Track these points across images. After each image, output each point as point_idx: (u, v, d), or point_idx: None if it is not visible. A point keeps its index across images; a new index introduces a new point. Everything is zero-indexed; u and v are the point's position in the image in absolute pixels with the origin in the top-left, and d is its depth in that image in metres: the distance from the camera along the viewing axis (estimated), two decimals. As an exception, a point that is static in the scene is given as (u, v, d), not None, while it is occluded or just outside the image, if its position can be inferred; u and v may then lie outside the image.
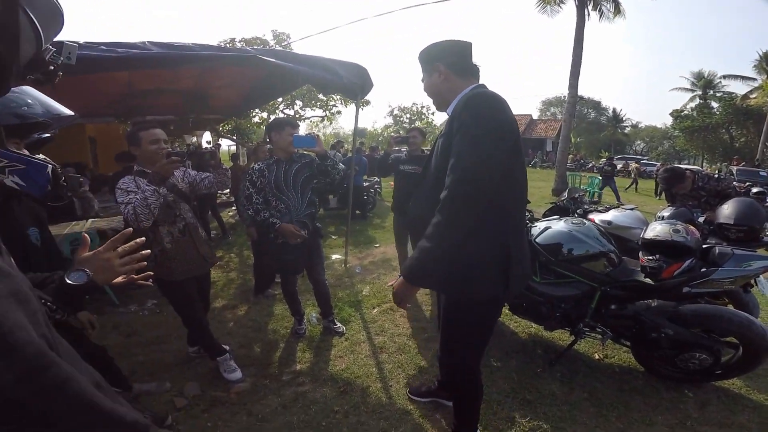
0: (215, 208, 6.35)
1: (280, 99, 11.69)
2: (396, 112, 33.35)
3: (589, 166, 28.03)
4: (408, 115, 33.02)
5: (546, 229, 2.56)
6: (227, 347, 2.60)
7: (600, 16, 13.66)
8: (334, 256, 5.23)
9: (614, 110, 45.22)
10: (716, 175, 3.46)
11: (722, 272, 2.11)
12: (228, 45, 11.08)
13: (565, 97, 14.08)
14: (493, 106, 1.34)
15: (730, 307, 2.67)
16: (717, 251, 2.21)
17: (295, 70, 3.28)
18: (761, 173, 18.95)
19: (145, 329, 3.18)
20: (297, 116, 12.74)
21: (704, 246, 2.29)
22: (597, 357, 2.76)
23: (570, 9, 13.43)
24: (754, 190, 8.84)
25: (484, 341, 1.63)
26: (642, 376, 2.54)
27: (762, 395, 2.38)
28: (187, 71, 3.98)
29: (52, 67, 0.58)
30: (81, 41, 2.46)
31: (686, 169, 3.52)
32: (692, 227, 2.28)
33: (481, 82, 1.51)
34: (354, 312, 3.45)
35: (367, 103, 12.84)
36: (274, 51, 3.55)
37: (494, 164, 1.26)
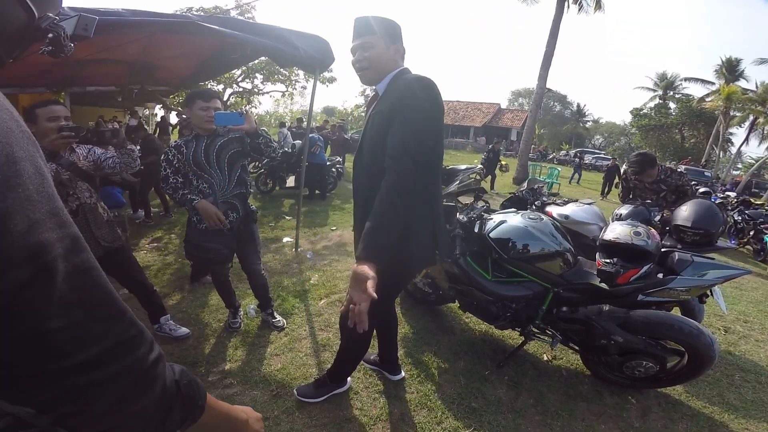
0: (158, 185, 5.83)
1: (238, 71, 10.98)
2: (368, 92, 32.76)
3: (550, 157, 28.87)
4: (379, 96, 32.52)
5: (501, 223, 2.40)
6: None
7: (579, 9, 13.72)
8: (285, 239, 4.92)
9: (578, 105, 46.79)
10: (678, 170, 3.45)
11: (680, 281, 2.04)
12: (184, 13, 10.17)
13: (534, 88, 14.20)
14: (432, 93, 1.46)
15: (677, 311, 2.67)
16: (676, 257, 2.14)
17: (244, 39, 2.93)
18: (706, 173, 20.33)
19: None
20: (256, 90, 12.05)
21: (663, 251, 2.21)
22: (546, 358, 2.70)
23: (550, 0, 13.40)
24: (701, 190, 9.28)
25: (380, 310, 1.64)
26: (588, 380, 2.50)
27: (700, 402, 2.39)
28: (130, 40, 3.49)
29: (51, 35, 0.52)
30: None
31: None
32: (653, 230, 2.20)
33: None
34: (298, 303, 3.19)
35: (333, 80, 12.30)
36: (222, 18, 3.16)
37: (431, 151, 1.48)
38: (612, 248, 2.18)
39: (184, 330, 2.63)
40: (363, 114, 32.62)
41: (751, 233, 7.21)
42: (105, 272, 1.62)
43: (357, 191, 1.71)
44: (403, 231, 1.45)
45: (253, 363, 2.42)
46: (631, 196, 3.64)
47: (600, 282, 2.17)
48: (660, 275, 2.14)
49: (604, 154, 31.51)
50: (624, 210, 3.00)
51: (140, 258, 4.04)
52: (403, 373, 2.38)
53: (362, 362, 2.40)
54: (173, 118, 12.93)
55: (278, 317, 2.86)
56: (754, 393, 2.54)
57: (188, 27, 2.62)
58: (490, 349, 2.72)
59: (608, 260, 2.16)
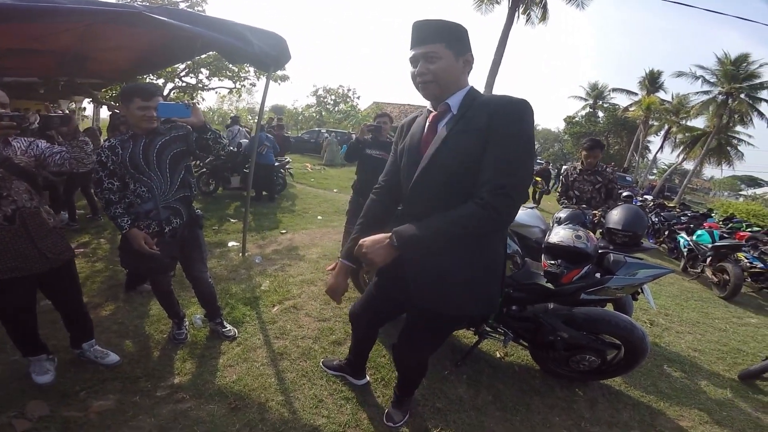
0: (87, 185, 5.31)
1: (181, 65, 10.35)
2: (321, 92, 32.38)
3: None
4: (333, 97, 32.29)
5: None
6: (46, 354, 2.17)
7: (527, 20, 14.53)
8: (231, 243, 4.69)
9: (517, 112, 49.41)
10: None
11: (616, 280, 2.23)
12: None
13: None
14: (532, 122, 1.27)
15: (610, 307, 2.93)
16: (611, 258, 2.34)
17: (194, 32, 2.73)
18: (627, 178, 22.47)
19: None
20: (201, 86, 11.43)
21: (600, 252, 2.40)
22: (499, 355, 2.82)
23: (502, 10, 14.08)
24: (624, 193, 10.18)
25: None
26: (539, 375, 2.65)
27: (638, 392, 2.63)
28: (64, 29, 3.13)
29: None
30: None
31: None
32: (591, 234, 2.38)
33: None
34: (249, 311, 3.06)
35: (286, 78, 12.00)
36: (170, 9, 2.95)
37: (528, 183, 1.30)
38: (556, 251, 2.34)
39: (114, 357, 2.31)
40: (314, 114, 31.96)
41: (666, 233, 8.03)
42: (45, 292, 1.45)
43: (415, 208, 1.44)
44: (489, 271, 1.43)
45: (206, 375, 2.29)
46: (569, 194, 3.95)
47: (546, 282, 2.31)
48: (598, 275, 2.33)
49: (539, 159, 33.71)
50: (563, 214, 3.24)
51: (68, 266, 3.66)
52: (367, 378, 2.38)
53: (325, 369, 2.42)
54: (104, 113, 11.93)
55: (228, 326, 2.72)
56: (681, 381, 2.83)
57: (135, 18, 2.40)
58: (447, 349, 2.78)
59: (553, 261, 2.31)
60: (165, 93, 10.78)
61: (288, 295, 3.41)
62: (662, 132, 28.12)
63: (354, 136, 4.03)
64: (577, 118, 35.80)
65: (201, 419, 1.97)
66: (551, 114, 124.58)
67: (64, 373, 2.18)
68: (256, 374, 2.34)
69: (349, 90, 31.26)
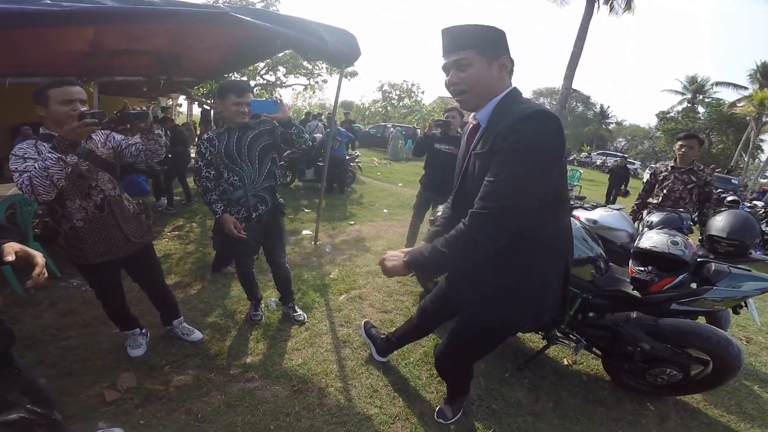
0: (183, 174, 5.92)
1: (261, 64, 11.02)
2: (386, 87, 32.68)
3: (571, 158, 28.36)
4: (397, 92, 32.44)
5: None
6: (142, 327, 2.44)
7: (610, 10, 13.39)
8: (305, 232, 4.94)
9: (602, 106, 45.65)
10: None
11: (716, 292, 1.98)
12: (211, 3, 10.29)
13: (558, 88, 13.88)
14: (551, 132, 1.14)
15: (702, 320, 2.60)
16: (713, 268, 2.07)
17: (275, 31, 2.92)
18: (733, 180, 19.64)
19: (85, 308, 2.83)
20: (279, 83, 12.10)
21: (699, 260, 2.14)
22: (566, 362, 2.66)
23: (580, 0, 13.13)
24: (729, 198, 8.96)
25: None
26: (608, 385, 2.47)
27: (717, 411, 2.35)
28: (160, 30, 3.52)
29: None
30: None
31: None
32: (690, 240, 2.13)
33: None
34: (318, 298, 3.21)
35: (355, 74, 12.25)
36: (253, 10, 3.16)
37: (529, 202, 1.16)
38: (647, 256, 2.13)
39: (198, 335, 2.53)
40: (380, 110, 32.45)
41: (781, 245, 6.93)
42: (132, 276, 1.63)
43: (457, 217, 1.45)
44: (538, 282, 1.35)
45: (275, 357, 2.44)
46: (654, 194, 3.56)
47: (632, 289, 2.13)
48: (694, 285, 2.09)
49: (626, 157, 30.72)
50: (655, 218, 2.93)
51: (162, 246, 4.13)
52: (387, 358, 2.46)
53: (361, 332, 2.58)
54: (196, 109, 13.14)
55: (299, 311, 2.87)
56: (774, 405, 2.46)
57: (222, 18, 2.62)
58: (510, 352, 2.68)
59: (642, 268, 2.10)
60: (249, 90, 11.55)
61: (354, 284, 3.51)
62: (779, 129, 24.16)
63: (418, 130, 4.04)
64: (672, 114, 32.16)
65: (265, 399, 2.10)
66: (641, 109, 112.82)
67: (155, 347, 2.44)
68: (320, 359, 2.44)
69: (413, 85, 31.06)
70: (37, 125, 2.21)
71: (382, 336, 2.45)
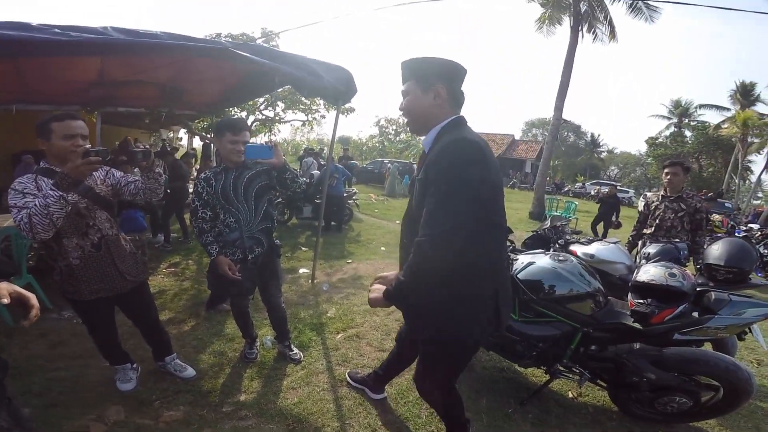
0: (181, 210, 5.94)
1: (261, 99, 11.33)
2: (382, 122, 33.46)
3: (565, 189, 28.59)
4: (394, 127, 33.19)
5: (529, 264, 2.37)
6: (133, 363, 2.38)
7: (594, 39, 13.84)
8: (302, 270, 4.90)
9: (592, 135, 46.70)
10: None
11: (718, 320, 1.97)
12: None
13: (549, 119, 14.19)
14: (468, 159, 1.24)
15: (709, 347, 2.56)
16: (713, 297, 2.07)
17: (274, 67, 3.03)
18: (726, 204, 19.69)
19: (75, 340, 2.78)
20: (277, 118, 12.38)
21: (699, 290, 2.14)
22: (571, 395, 2.58)
23: (565, 30, 13.60)
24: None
25: (458, 375, 1.70)
26: (616, 416, 2.39)
27: None
28: (165, 63, 3.66)
29: None
30: (35, 23, 2.18)
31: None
32: (687, 271, 2.14)
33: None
34: (315, 336, 3.14)
35: (352, 110, 12.59)
36: (252, 46, 3.30)
37: (463, 224, 1.23)
38: (645, 289, 2.13)
39: (191, 371, 2.47)
40: (377, 145, 33.00)
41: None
42: (126, 312, 1.63)
43: (403, 251, 1.57)
44: (467, 300, 1.39)
45: (269, 396, 2.36)
46: (648, 224, 3.58)
47: (633, 322, 2.11)
48: (695, 314, 2.08)
49: (620, 185, 31.08)
50: (652, 249, 2.93)
51: (157, 282, 4.08)
52: (385, 393, 2.40)
53: (349, 381, 2.51)
54: (196, 142, 13.32)
55: (295, 350, 2.80)
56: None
57: (223, 53, 2.73)
58: (512, 387, 2.62)
59: (641, 300, 2.10)
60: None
61: (352, 323, 3.45)
62: (766, 150, 24.55)
63: (414, 165, 4.06)
64: (660, 139, 32.82)
65: (259, 438, 2.01)
66: (630, 136, 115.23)
67: (146, 382, 2.38)
68: (316, 399, 2.37)
69: (411, 120, 31.97)
70: (38, 153, 2.27)
71: (369, 373, 2.43)
